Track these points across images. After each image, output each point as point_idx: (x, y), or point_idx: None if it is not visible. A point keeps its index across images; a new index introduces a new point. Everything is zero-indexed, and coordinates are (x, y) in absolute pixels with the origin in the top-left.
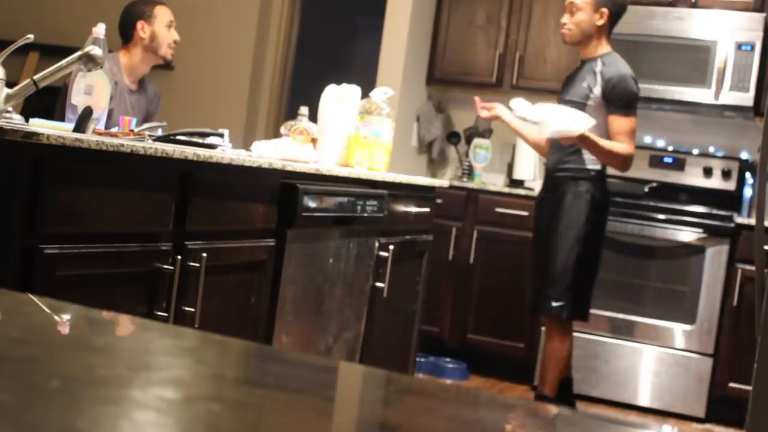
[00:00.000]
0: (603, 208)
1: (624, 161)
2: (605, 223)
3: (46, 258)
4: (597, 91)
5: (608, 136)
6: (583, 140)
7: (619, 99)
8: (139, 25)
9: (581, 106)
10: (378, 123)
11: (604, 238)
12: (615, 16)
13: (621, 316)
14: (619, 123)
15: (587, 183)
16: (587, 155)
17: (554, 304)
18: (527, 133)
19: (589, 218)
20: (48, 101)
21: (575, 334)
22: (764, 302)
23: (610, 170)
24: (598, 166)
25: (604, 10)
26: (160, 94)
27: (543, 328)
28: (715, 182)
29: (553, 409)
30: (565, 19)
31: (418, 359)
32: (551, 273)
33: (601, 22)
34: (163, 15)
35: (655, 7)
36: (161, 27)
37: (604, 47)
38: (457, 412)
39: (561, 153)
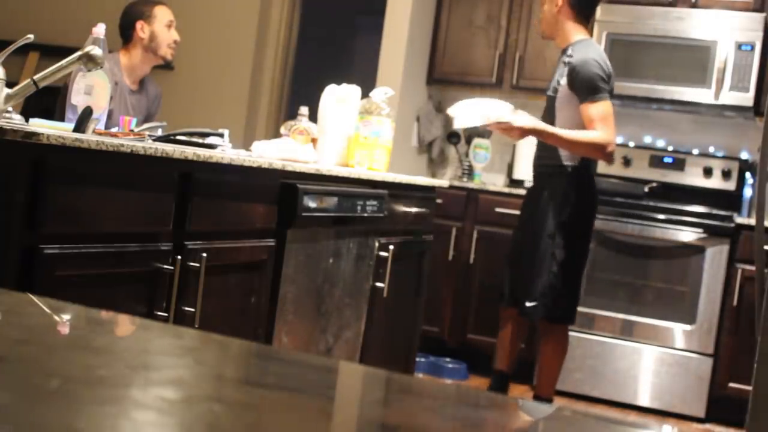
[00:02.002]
0: (579, 206)
1: (601, 150)
2: (586, 221)
3: (46, 258)
4: (563, 81)
5: (583, 127)
6: (537, 133)
7: (583, 85)
8: (139, 25)
9: (551, 100)
10: (378, 123)
11: (589, 237)
12: (580, 3)
13: (621, 316)
14: (589, 110)
15: (562, 180)
16: (563, 150)
17: (528, 304)
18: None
19: (562, 217)
20: (48, 101)
21: (575, 334)
22: (764, 302)
23: (609, 169)
24: (574, 162)
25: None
26: (161, 94)
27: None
28: (715, 182)
29: (552, 409)
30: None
31: (418, 359)
32: (523, 272)
33: (555, 10)
34: (162, 15)
35: (655, 7)
36: (161, 27)
37: (576, 35)
38: (457, 412)
39: (540, 147)
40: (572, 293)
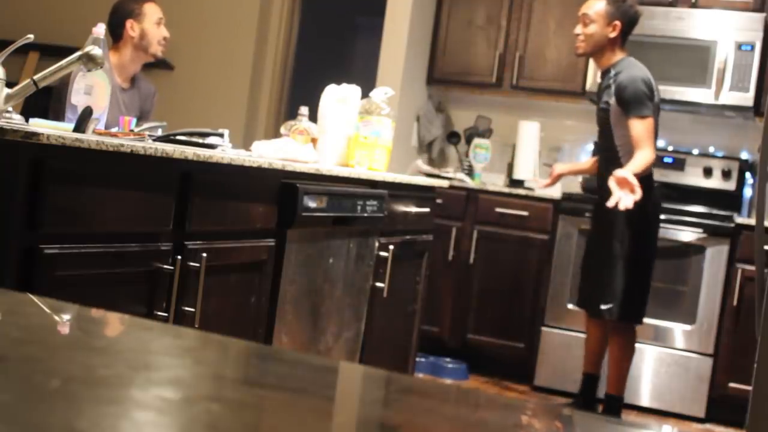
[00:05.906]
0: (644, 210)
1: (647, 166)
2: (650, 224)
3: (46, 258)
4: (612, 100)
5: (632, 143)
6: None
7: (630, 102)
8: (129, 23)
9: (603, 119)
10: (378, 123)
11: (654, 238)
12: (628, 28)
13: None
14: (636, 127)
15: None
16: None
17: (603, 306)
18: (579, 166)
19: (630, 221)
20: (48, 101)
21: (575, 334)
22: (764, 302)
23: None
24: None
25: (617, 23)
26: (156, 92)
27: (543, 329)
28: (715, 182)
29: (552, 409)
30: (578, 29)
31: (418, 359)
32: (597, 276)
33: (613, 34)
34: (152, 12)
35: (655, 7)
36: (151, 25)
37: (618, 55)
38: (457, 412)
39: (607, 160)
40: (642, 293)
